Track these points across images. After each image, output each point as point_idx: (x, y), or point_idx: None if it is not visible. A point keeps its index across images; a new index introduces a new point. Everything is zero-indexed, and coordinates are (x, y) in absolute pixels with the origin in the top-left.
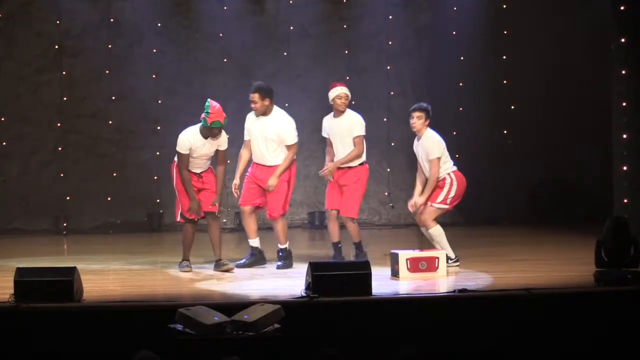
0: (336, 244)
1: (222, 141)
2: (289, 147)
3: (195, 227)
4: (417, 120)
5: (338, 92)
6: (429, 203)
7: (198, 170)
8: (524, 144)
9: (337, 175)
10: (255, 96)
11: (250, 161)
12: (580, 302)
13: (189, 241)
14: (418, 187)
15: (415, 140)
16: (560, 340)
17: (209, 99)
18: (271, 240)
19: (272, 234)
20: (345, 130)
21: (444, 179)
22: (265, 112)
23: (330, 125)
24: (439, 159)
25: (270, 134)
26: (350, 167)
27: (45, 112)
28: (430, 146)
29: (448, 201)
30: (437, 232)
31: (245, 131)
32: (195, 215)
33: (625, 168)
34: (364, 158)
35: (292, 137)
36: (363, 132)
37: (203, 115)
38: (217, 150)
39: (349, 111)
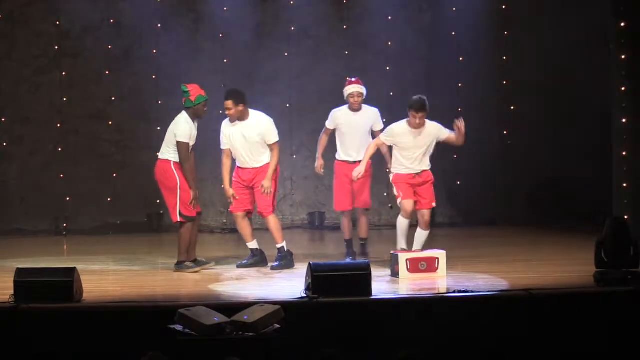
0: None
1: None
2: (272, 145)
3: (197, 226)
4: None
5: (350, 90)
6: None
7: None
8: (523, 144)
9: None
10: (229, 103)
11: (233, 168)
12: (580, 303)
13: (191, 240)
14: None
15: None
16: (561, 340)
17: (182, 84)
18: (270, 241)
19: (269, 235)
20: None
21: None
22: (242, 117)
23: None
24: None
25: (254, 136)
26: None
27: (45, 113)
28: None
29: (397, 192)
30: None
31: (224, 140)
32: (198, 208)
33: (625, 168)
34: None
35: (274, 135)
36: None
37: (184, 99)
38: None
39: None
